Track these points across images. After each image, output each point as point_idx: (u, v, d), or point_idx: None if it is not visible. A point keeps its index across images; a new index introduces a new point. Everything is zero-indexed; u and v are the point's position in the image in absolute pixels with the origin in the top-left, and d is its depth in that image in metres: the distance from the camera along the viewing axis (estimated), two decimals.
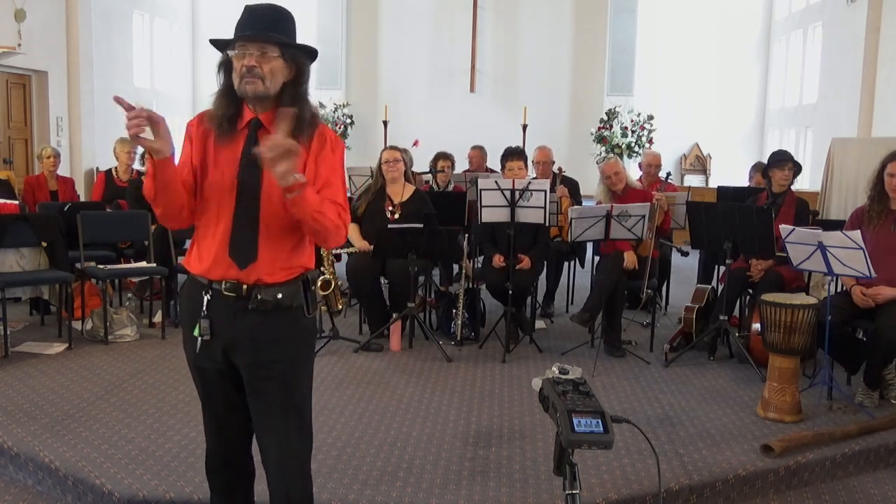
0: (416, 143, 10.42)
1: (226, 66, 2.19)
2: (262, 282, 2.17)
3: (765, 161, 5.80)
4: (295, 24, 2.22)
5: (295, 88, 2.18)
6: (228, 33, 2.21)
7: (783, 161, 5.24)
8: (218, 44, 2.20)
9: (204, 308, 2.19)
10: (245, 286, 2.16)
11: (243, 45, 2.12)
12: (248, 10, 2.18)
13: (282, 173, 1.94)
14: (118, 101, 2.09)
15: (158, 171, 2.09)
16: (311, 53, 2.23)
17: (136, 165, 7.20)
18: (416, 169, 6.73)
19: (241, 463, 2.41)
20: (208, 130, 2.21)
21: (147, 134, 2.03)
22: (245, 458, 2.41)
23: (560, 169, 7.09)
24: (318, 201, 2.11)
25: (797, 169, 5.31)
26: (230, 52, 2.15)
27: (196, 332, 2.21)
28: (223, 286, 2.17)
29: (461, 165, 8.44)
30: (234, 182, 2.15)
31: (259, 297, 2.16)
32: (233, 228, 2.16)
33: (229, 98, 2.18)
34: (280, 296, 2.18)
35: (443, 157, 7.37)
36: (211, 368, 2.25)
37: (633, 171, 7.21)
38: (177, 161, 2.16)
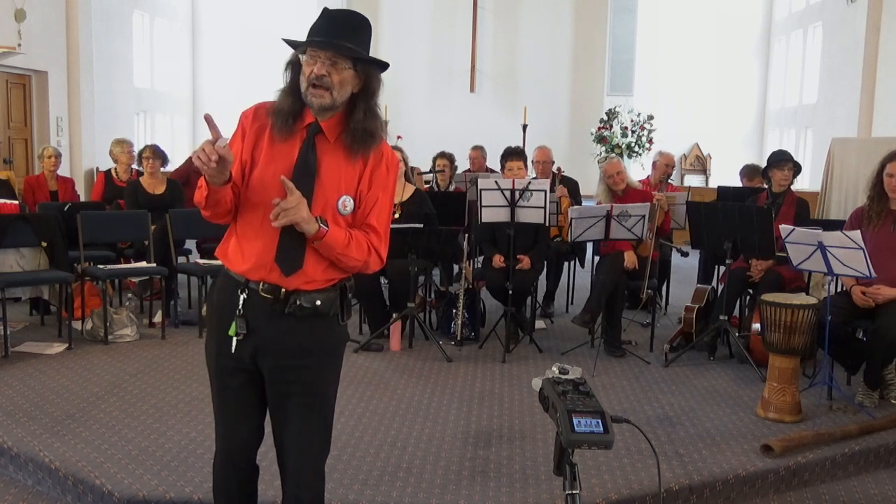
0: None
1: (293, 66, 2.16)
2: (301, 288, 2.15)
3: (760, 163, 5.80)
4: (371, 32, 2.18)
5: (367, 102, 2.15)
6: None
7: (783, 161, 5.24)
8: (290, 43, 2.17)
9: (240, 307, 2.16)
10: (283, 290, 2.14)
11: (315, 51, 2.08)
12: (326, 14, 2.13)
13: (304, 228, 2.05)
14: (207, 120, 2.04)
15: (212, 193, 2.07)
16: (382, 66, 2.19)
17: (135, 165, 7.20)
18: (415, 166, 6.72)
19: (247, 467, 2.39)
20: (263, 126, 2.17)
21: (212, 166, 1.97)
22: (251, 463, 2.40)
23: (559, 169, 7.09)
24: (345, 243, 2.12)
25: (797, 169, 5.31)
26: (301, 56, 2.11)
27: (232, 332, 2.16)
28: (260, 287, 2.14)
29: (462, 166, 8.44)
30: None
31: (298, 302, 2.14)
32: (282, 234, 2.11)
33: (294, 96, 2.14)
34: (318, 302, 2.16)
35: (441, 156, 7.36)
36: (234, 368, 2.21)
37: (633, 171, 7.21)
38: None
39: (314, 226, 2.06)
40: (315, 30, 2.12)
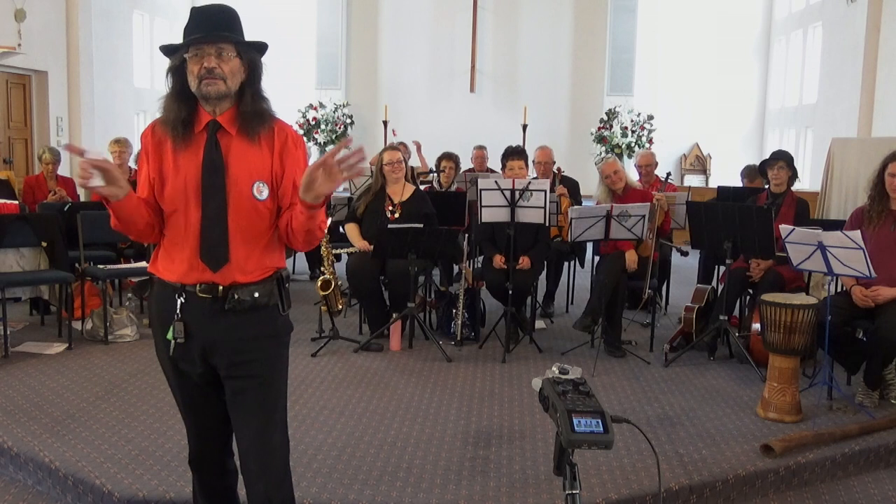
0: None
1: (175, 71, 2.17)
2: (238, 282, 2.18)
3: (759, 164, 5.81)
4: (240, 19, 2.22)
5: (253, 87, 2.19)
6: None
7: (773, 160, 5.27)
8: (167, 49, 2.18)
9: (178, 311, 2.19)
10: (221, 287, 2.17)
11: (200, 47, 2.11)
12: (198, 12, 2.17)
13: (327, 191, 2.05)
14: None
15: (116, 211, 2.14)
16: (262, 49, 2.23)
17: (132, 164, 7.19)
18: (414, 166, 6.72)
19: (223, 461, 2.43)
20: (163, 139, 2.20)
21: (97, 180, 2.03)
22: (227, 457, 2.43)
23: (560, 169, 7.09)
24: (324, 212, 2.16)
25: (793, 171, 5.30)
26: (186, 55, 2.13)
27: (170, 336, 2.20)
28: (197, 288, 2.17)
29: (465, 166, 8.43)
30: (199, 186, 2.15)
31: (236, 296, 2.17)
32: (202, 232, 2.15)
33: (181, 101, 2.16)
34: (257, 294, 2.20)
35: (446, 157, 7.37)
36: (191, 372, 2.25)
37: (632, 171, 7.17)
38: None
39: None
40: (192, 29, 2.15)
